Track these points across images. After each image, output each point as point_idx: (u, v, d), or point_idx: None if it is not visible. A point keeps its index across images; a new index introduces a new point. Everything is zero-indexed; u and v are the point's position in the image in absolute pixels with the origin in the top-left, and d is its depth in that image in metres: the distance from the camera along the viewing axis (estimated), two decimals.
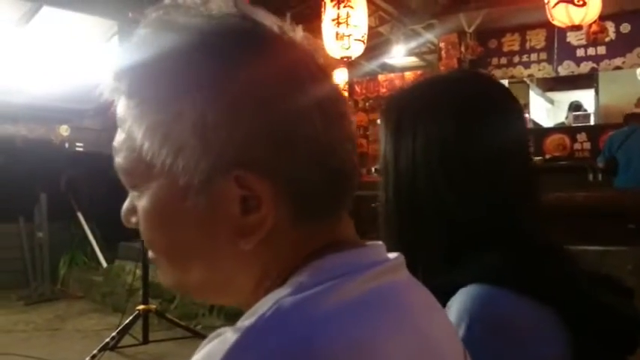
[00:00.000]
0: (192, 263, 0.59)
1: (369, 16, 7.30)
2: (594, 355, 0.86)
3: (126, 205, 0.63)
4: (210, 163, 0.54)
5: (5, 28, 5.11)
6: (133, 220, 0.62)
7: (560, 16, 5.87)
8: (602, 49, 7.78)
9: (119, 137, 0.60)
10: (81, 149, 7.82)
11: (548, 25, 7.14)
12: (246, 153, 0.54)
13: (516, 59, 8.34)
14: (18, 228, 7.76)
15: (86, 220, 8.01)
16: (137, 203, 0.61)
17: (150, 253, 0.64)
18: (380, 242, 0.62)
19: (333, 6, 6.76)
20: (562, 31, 7.39)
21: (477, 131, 0.92)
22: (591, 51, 7.85)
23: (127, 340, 4.41)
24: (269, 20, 0.60)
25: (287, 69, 0.57)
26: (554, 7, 5.89)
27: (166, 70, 0.56)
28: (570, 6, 5.76)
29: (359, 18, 6.59)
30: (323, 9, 6.90)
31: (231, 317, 6.09)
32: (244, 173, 0.54)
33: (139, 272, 6.46)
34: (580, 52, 7.94)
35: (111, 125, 0.62)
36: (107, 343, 4.06)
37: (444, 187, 0.91)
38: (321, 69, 0.60)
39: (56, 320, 6.44)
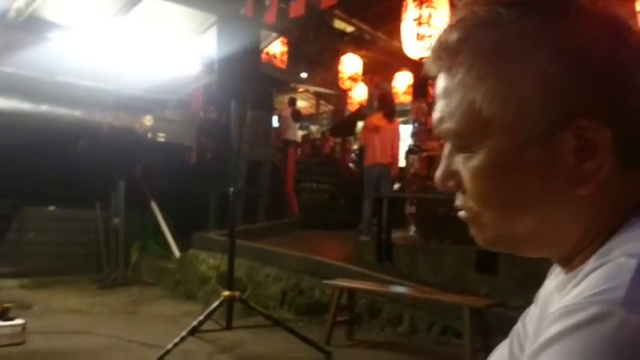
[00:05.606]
0: (525, 212, 0.63)
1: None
2: None
3: (442, 170, 0.68)
4: (551, 116, 0.59)
5: (104, 18, 5.28)
6: (450, 183, 0.67)
7: None
8: None
9: (449, 105, 0.65)
10: (162, 139, 8.02)
11: None
12: (586, 104, 0.58)
13: None
14: (94, 214, 8.01)
15: (159, 210, 8.21)
16: (462, 165, 0.65)
17: (463, 213, 0.67)
18: None
19: (415, 6, 6.75)
20: None
21: None
22: None
23: (206, 325, 4.49)
24: None
25: (610, 26, 0.62)
26: None
27: (506, 38, 0.61)
28: None
29: (441, 19, 6.56)
30: (404, 9, 6.89)
31: (301, 311, 6.15)
32: (586, 122, 0.58)
33: (212, 262, 6.61)
34: None
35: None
36: (195, 327, 4.15)
37: None
38: (629, 24, 0.64)
39: (131, 304, 6.61)
